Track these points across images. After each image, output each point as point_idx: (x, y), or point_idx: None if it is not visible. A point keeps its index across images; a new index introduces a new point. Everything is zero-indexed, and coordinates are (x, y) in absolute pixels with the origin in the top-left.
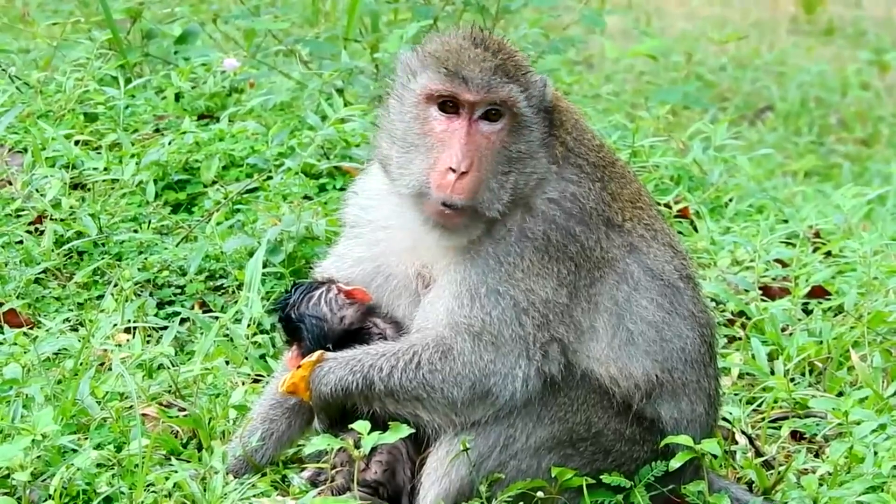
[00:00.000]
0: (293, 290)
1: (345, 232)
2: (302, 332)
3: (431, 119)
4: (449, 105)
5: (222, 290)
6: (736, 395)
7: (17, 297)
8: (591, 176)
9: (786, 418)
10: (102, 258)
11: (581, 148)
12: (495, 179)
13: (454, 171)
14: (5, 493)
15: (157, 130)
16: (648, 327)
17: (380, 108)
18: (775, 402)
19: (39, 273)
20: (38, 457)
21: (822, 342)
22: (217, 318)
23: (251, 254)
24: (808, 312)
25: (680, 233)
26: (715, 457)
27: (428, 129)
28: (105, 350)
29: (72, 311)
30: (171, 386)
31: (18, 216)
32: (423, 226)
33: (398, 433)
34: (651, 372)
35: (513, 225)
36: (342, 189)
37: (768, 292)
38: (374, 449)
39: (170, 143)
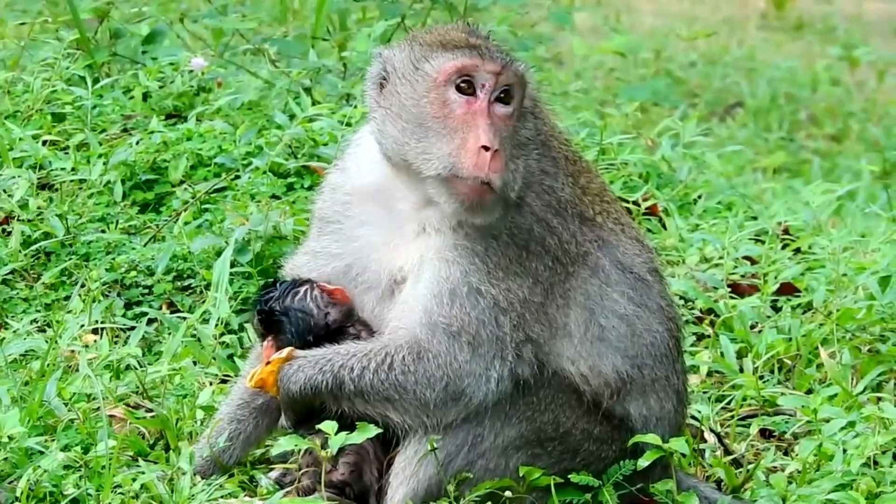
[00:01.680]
0: (275, 285)
1: (316, 227)
2: (284, 326)
3: (450, 101)
4: (466, 86)
5: (190, 291)
6: (705, 392)
7: None
8: (565, 169)
9: (755, 416)
10: (70, 259)
11: (554, 141)
12: (512, 162)
13: (487, 149)
14: None
15: (124, 130)
16: (620, 321)
17: (376, 101)
18: (744, 399)
19: (6, 274)
20: (5, 459)
21: (791, 339)
22: (185, 318)
23: (219, 253)
24: (777, 310)
25: (649, 230)
26: (683, 455)
27: (448, 111)
28: (72, 351)
29: (39, 311)
30: (138, 387)
31: None
32: (451, 207)
33: (365, 433)
34: (621, 368)
35: (498, 219)
36: (310, 188)
37: (737, 289)
38: (341, 449)
39: (137, 143)
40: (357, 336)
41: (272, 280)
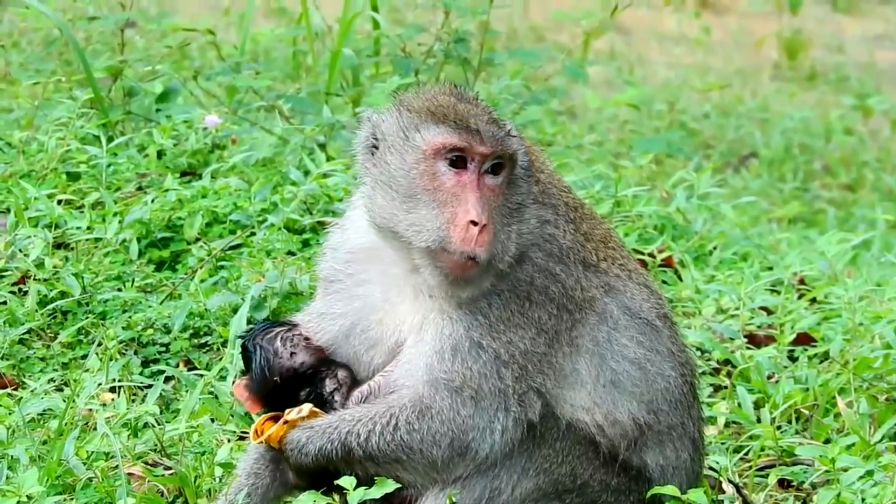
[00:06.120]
0: (259, 323)
1: (321, 288)
2: (251, 362)
3: (440, 174)
4: (457, 159)
5: (207, 348)
6: (723, 443)
7: (2, 358)
8: (565, 217)
9: (773, 466)
10: (86, 317)
11: (553, 189)
12: (503, 231)
13: (475, 224)
14: None
15: (139, 188)
16: (631, 366)
17: (365, 166)
18: (762, 450)
19: (23, 333)
20: None
21: (808, 389)
22: (202, 375)
23: (235, 310)
24: (793, 359)
25: (664, 282)
26: None
27: (437, 184)
28: (90, 410)
29: (56, 371)
30: (156, 444)
31: (2, 277)
32: (435, 279)
33: (384, 488)
34: (637, 414)
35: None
36: None
37: (754, 340)
38: None
39: (152, 201)
40: (335, 377)
41: (263, 319)
